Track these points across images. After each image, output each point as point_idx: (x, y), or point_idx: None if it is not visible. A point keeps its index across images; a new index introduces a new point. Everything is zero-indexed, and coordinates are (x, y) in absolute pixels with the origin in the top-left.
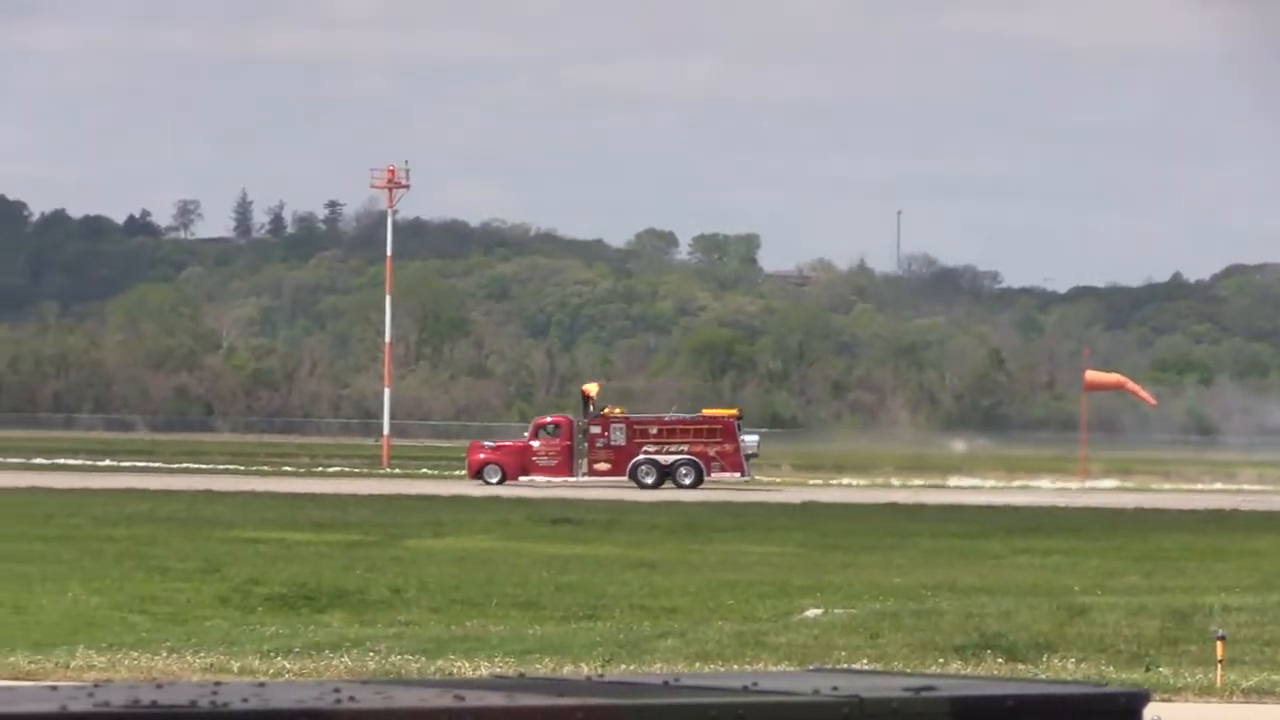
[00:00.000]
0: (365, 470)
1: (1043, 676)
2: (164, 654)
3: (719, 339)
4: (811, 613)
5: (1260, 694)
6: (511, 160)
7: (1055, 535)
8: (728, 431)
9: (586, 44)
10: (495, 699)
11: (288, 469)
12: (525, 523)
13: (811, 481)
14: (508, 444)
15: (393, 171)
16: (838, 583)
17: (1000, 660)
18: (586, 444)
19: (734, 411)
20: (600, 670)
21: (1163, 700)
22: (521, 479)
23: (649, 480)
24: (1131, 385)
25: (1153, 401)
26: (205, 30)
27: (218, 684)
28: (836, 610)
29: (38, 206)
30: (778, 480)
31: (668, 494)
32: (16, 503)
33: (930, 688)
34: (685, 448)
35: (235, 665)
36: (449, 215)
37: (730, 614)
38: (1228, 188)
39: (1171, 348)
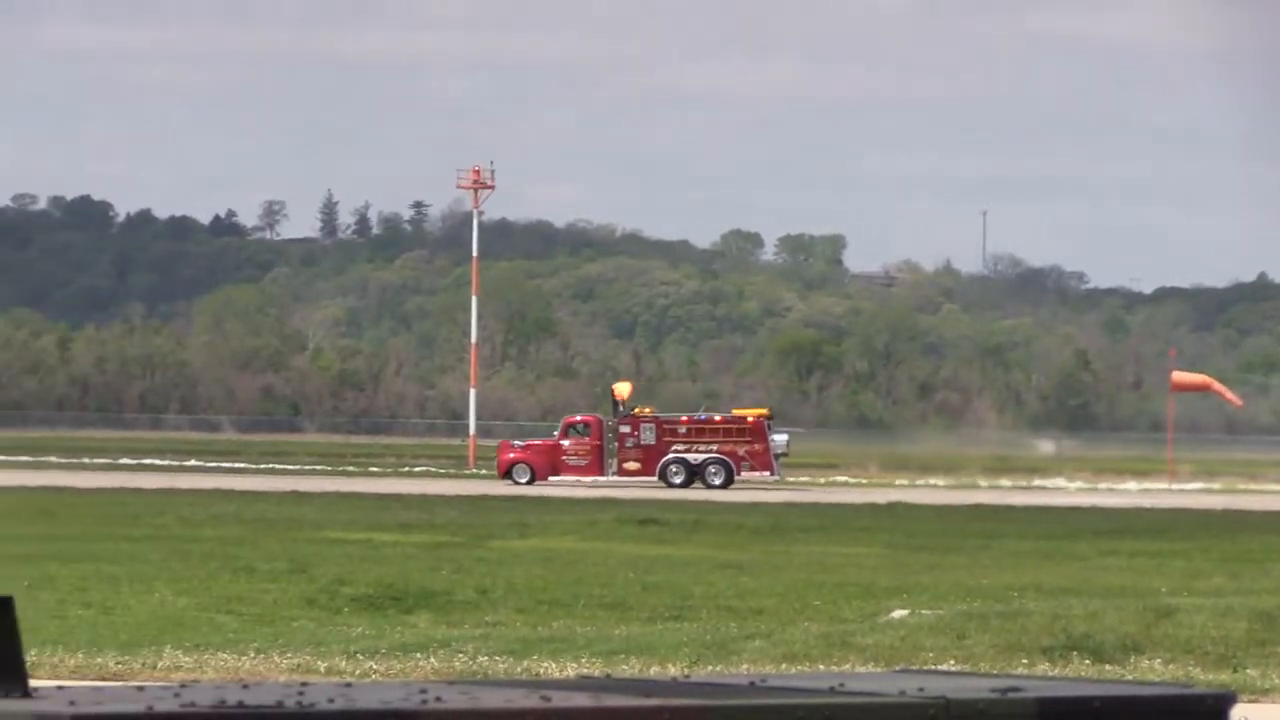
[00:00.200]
0: (451, 471)
1: (1129, 678)
2: (251, 654)
3: (805, 340)
4: (898, 614)
5: None
6: (597, 160)
7: (1142, 537)
8: (757, 431)
9: (674, 44)
10: (581, 699)
11: (374, 470)
12: (612, 523)
13: (898, 482)
14: (537, 443)
15: (478, 172)
16: (924, 584)
17: (1087, 661)
18: (616, 443)
19: (764, 411)
20: (687, 671)
21: (1249, 702)
22: (551, 479)
23: (678, 480)
24: (1218, 386)
25: (1239, 402)
26: (293, 30)
27: (304, 684)
28: (923, 611)
29: (124, 207)
30: (864, 481)
31: (753, 495)
32: (104, 503)
33: (1016, 689)
34: (715, 447)
35: (322, 666)
36: (534, 216)
37: (817, 615)
38: None
39: (1258, 348)
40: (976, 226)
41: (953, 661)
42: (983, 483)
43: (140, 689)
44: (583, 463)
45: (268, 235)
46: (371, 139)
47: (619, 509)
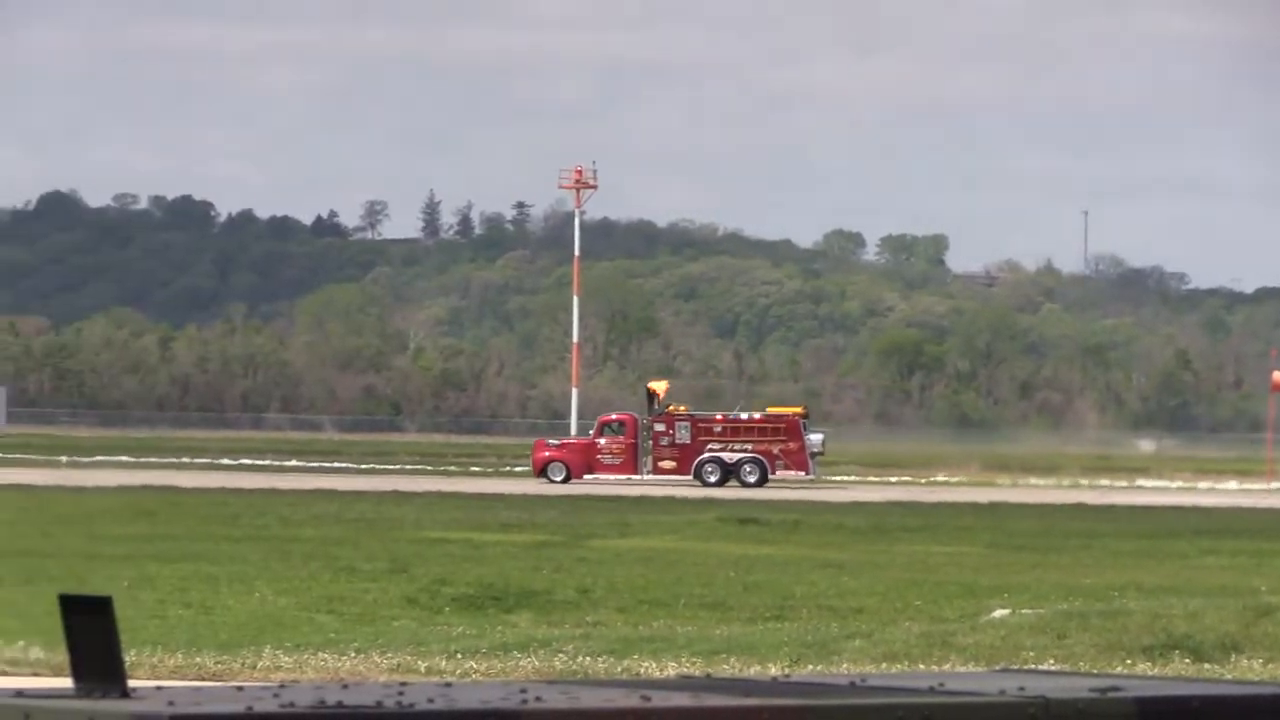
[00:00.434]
0: None
1: (1229, 677)
2: (351, 654)
3: (907, 340)
4: (999, 613)
5: None
6: (699, 160)
7: (1241, 536)
8: (792, 430)
9: (776, 44)
10: (681, 699)
11: (475, 469)
12: (712, 523)
13: (999, 482)
14: (572, 441)
15: (580, 172)
16: (1025, 583)
17: (1187, 661)
18: (651, 442)
19: (799, 409)
20: (787, 671)
21: None
22: (586, 477)
23: (713, 478)
24: None
25: None
26: (395, 31)
27: (404, 684)
28: (1024, 611)
29: (225, 207)
30: (963, 480)
31: (854, 493)
32: (204, 503)
33: (1116, 688)
34: (750, 446)
35: (422, 666)
36: (636, 215)
37: (917, 615)
38: None
39: None
40: (1078, 226)
41: (1052, 661)
42: (1083, 482)
43: (239, 689)
44: (617, 461)
45: (369, 235)
46: (474, 139)
47: (719, 509)
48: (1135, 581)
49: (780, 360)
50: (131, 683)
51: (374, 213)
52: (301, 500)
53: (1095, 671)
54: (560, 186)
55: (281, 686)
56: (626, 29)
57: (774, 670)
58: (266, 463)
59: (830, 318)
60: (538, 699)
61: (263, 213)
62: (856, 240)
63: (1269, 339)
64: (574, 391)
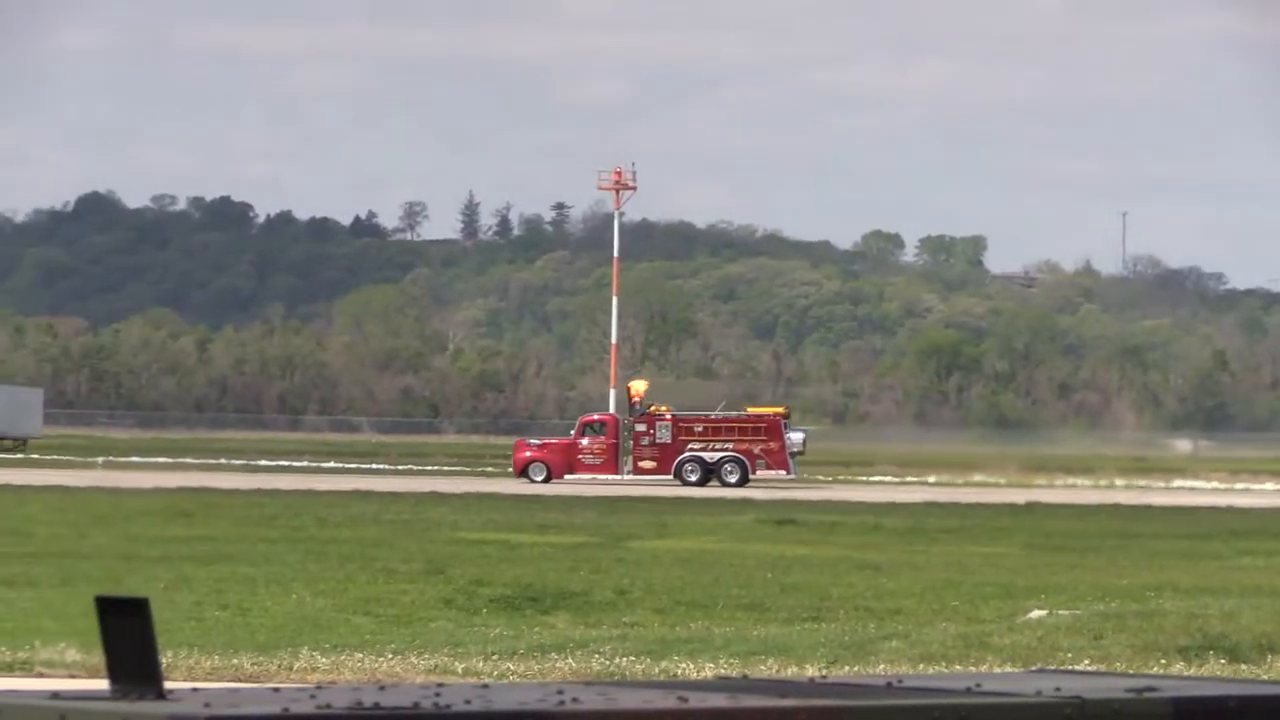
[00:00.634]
0: None
1: (1265, 678)
2: (388, 656)
3: (945, 341)
4: (1036, 614)
5: None
6: (738, 161)
7: (1278, 537)
8: (773, 429)
9: (815, 46)
10: (718, 700)
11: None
12: (750, 524)
13: (1037, 482)
14: (553, 441)
15: (620, 173)
16: (1062, 584)
17: (1223, 661)
18: (631, 441)
19: (780, 409)
20: (824, 671)
21: None
22: (567, 477)
23: (693, 478)
24: None
25: None
26: (435, 31)
27: (441, 685)
28: (1061, 611)
29: (264, 208)
30: (1001, 481)
31: (892, 494)
32: (242, 504)
33: (1152, 689)
34: (730, 445)
35: (459, 667)
36: (676, 217)
37: (955, 615)
38: None
39: None
40: (1116, 227)
41: (1089, 661)
42: (1120, 483)
43: (276, 690)
44: (598, 461)
45: (408, 236)
46: (514, 140)
47: (758, 510)
48: (1172, 582)
49: (819, 361)
50: (168, 684)
51: (413, 214)
52: (339, 501)
53: (1131, 672)
54: (599, 187)
55: (318, 688)
56: (666, 30)
57: (811, 671)
58: (304, 464)
59: (869, 319)
60: (575, 700)
61: (301, 214)
62: (895, 241)
63: None
64: (612, 392)
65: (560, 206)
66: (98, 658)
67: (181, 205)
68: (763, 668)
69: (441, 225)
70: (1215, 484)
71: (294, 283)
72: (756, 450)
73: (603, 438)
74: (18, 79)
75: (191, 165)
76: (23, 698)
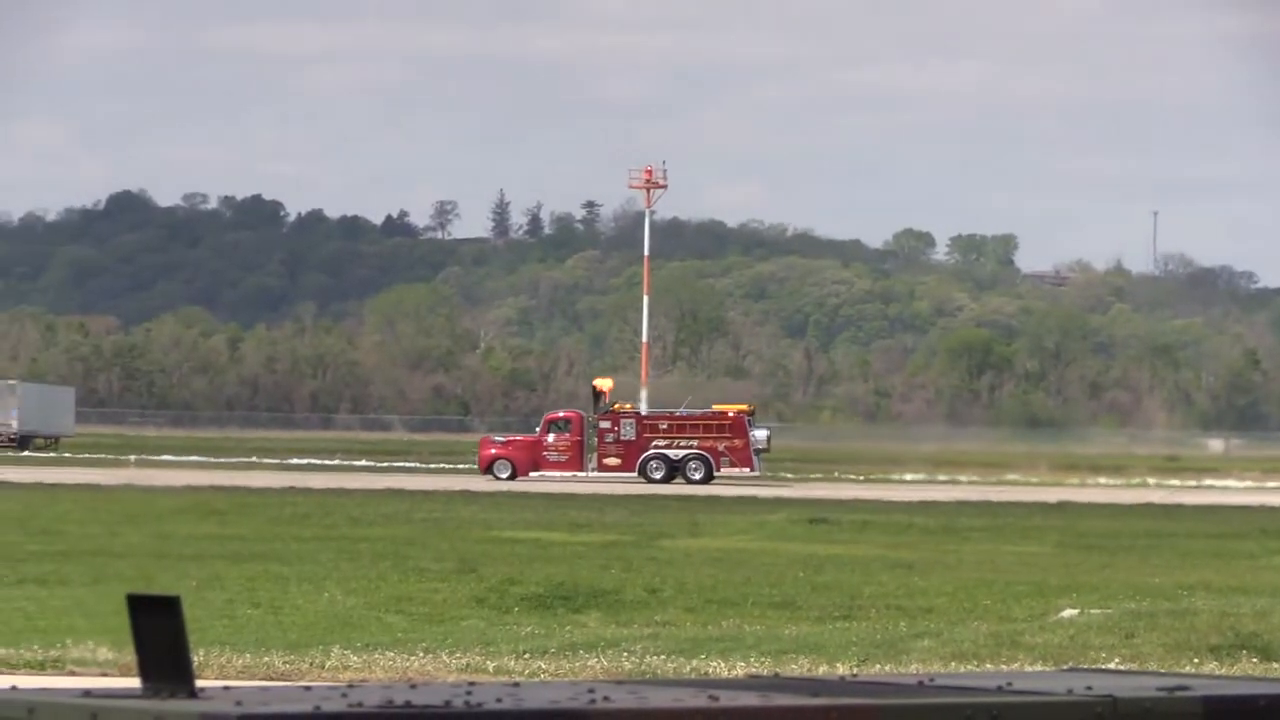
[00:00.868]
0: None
1: None
2: (419, 654)
3: (976, 340)
4: (1068, 613)
5: None
6: (770, 160)
7: None
8: (737, 427)
9: (848, 45)
10: (749, 699)
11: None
12: (782, 523)
13: (1068, 481)
14: (518, 439)
15: (650, 172)
16: (1094, 583)
17: (1254, 660)
18: (596, 439)
19: (745, 406)
20: (855, 670)
21: None
22: (532, 474)
23: (658, 475)
24: None
25: None
26: (465, 31)
27: (472, 684)
28: (1092, 610)
29: (295, 207)
30: (1032, 480)
31: (924, 493)
32: (274, 503)
33: (1183, 688)
34: (695, 443)
35: (491, 665)
36: (707, 215)
37: (986, 614)
38: None
39: None
40: (1147, 226)
41: (1120, 660)
42: (1152, 482)
43: (307, 689)
44: (563, 458)
45: (439, 235)
46: (545, 139)
47: (790, 509)
48: (1203, 581)
49: (850, 360)
50: (199, 682)
51: (444, 212)
52: (370, 500)
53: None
54: (630, 186)
55: (350, 686)
56: (698, 28)
57: (842, 670)
58: (336, 463)
59: (900, 318)
60: (606, 699)
61: (332, 212)
62: (926, 240)
63: None
64: (643, 391)
65: (591, 205)
66: (129, 656)
67: (213, 204)
68: (794, 666)
69: (472, 224)
70: (1247, 483)
71: (325, 281)
72: (721, 448)
73: (567, 435)
74: (50, 78)
75: (222, 164)
76: (55, 696)
